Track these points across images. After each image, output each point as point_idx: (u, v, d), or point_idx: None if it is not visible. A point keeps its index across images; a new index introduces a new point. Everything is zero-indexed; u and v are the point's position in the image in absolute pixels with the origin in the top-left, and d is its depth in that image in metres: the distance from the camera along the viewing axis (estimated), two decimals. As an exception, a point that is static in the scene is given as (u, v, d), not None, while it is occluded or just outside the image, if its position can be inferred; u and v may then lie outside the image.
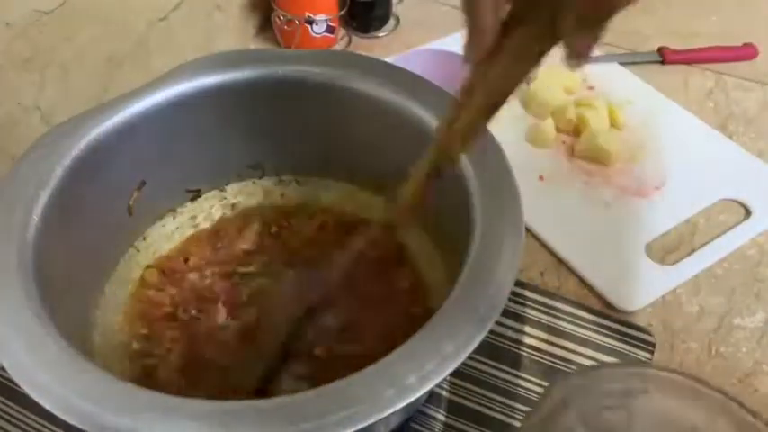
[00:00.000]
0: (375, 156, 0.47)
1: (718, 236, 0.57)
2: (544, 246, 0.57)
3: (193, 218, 0.50)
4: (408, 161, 0.44)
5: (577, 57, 0.27)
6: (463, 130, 0.32)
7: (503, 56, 0.29)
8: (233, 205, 0.51)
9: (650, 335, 0.50)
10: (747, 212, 0.59)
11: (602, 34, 0.27)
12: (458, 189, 0.39)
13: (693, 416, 0.34)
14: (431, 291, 0.45)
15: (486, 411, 0.46)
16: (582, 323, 0.50)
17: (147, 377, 0.41)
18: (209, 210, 0.50)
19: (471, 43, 0.29)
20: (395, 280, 0.46)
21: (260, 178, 0.51)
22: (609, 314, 0.51)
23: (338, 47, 0.77)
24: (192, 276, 0.47)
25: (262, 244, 0.49)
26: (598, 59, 0.75)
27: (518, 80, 0.30)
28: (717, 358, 0.50)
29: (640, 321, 0.51)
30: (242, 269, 0.47)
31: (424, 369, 0.30)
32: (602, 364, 0.39)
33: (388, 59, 0.48)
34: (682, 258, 0.56)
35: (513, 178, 0.38)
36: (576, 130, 0.65)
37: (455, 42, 0.74)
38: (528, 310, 0.51)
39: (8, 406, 0.45)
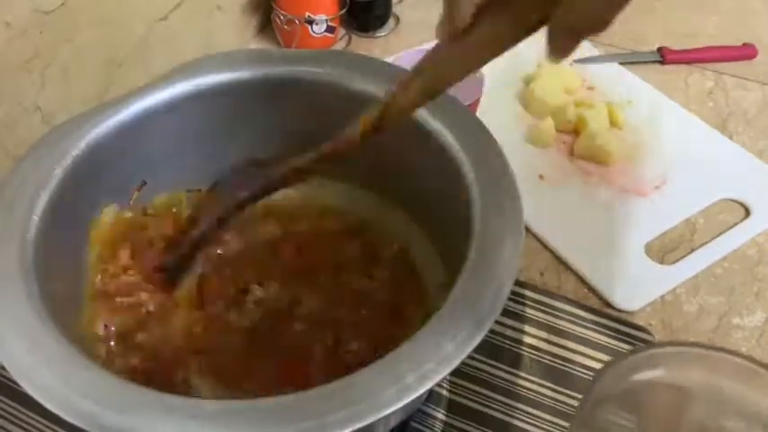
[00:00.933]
0: (375, 155, 0.47)
1: (718, 235, 0.57)
2: (544, 246, 0.57)
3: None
4: (408, 160, 0.45)
5: (562, 53, 0.27)
6: (404, 104, 0.33)
7: (471, 40, 0.29)
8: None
9: (650, 334, 0.50)
10: (747, 212, 0.59)
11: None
12: (458, 189, 0.39)
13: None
14: (431, 290, 0.45)
15: (486, 410, 0.46)
16: (582, 322, 0.51)
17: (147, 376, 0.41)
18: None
19: (445, 21, 0.29)
20: (395, 279, 0.46)
21: (260, 178, 0.51)
22: (609, 313, 0.51)
23: (338, 47, 0.77)
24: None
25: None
26: (598, 59, 0.75)
27: (473, 67, 0.31)
28: (716, 358, 0.50)
29: (640, 321, 0.51)
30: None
31: (423, 368, 0.30)
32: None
33: (388, 59, 0.48)
34: (681, 258, 0.56)
35: (513, 178, 0.38)
36: (576, 130, 0.66)
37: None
38: (528, 310, 0.51)
39: (9, 405, 0.45)
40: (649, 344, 0.37)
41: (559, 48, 0.27)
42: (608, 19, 0.25)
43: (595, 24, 0.25)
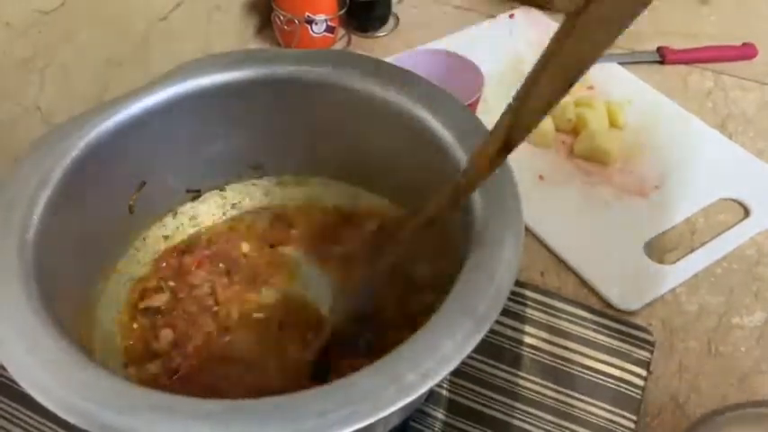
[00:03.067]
0: (375, 155, 0.47)
1: (718, 235, 0.57)
2: (544, 245, 0.57)
3: (193, 218, 0.50)
4: (408, 160, 0.45)
5: None
6: (539, 101, 0.27)
7: (597, 7, 0.24)
8: (233, 205, 0.51)
9: (650, 334, 0.50)
10: (746, 212, 0.59)
11: None
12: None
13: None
14: (430, 290, 0.45)
15: (486, 410, 0.46)
16: (582, 322, 0.51)
17: (147, 378, 0.41)
18: (209, 210, 0.50)
19: None
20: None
21: (260, 178, 0.51)
22: (608, 313, 0.51)
23: (338, 47, 0.77)
24: (192, 276, 0.47)
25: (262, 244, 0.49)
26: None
27: (604, 44, 0.26)
28: (716, 357, 0.50)
29: (640, 321, 0.52)
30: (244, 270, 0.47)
31: (423, 368, 0.30)
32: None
33: (388, 59, 0.48)
34: (681, 258, 0.56)
35: (512, 178, 0.38)
36: (576, 130, 0.66)
37: (455, 42, 0.74)
38: (528, 310, 0.51)
39: (9, 405, 0.45)
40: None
41: None
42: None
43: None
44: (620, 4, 0.24)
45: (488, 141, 0.30)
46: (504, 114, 0.28)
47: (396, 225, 0.44)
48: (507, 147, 0.29)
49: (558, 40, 0.26)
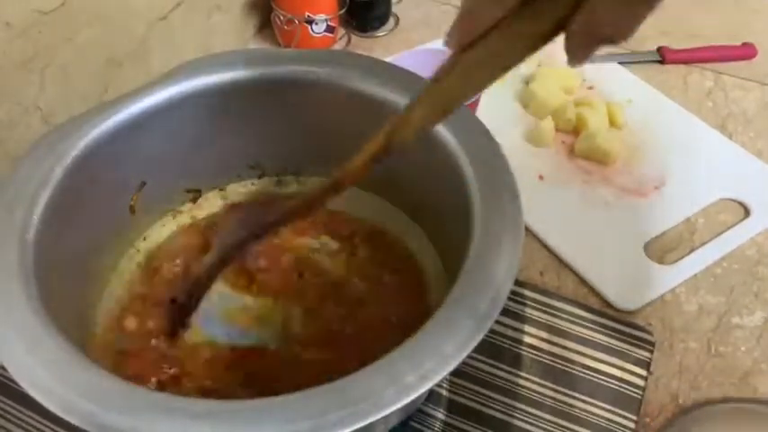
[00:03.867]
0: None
1: (718, 235, 0.57)
2: (544, 245, 0.57)
3: (193, 218, 0.50)
4: (408, 160, 0.45)
5: (580, 59, 0.26)
6: (417, 122, 0.30)
7: (484, 50, 0.27)
8: (233, 206, 0.51)
9: (650, 334, 0.50)
10: (746, 212, 0.59)
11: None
12: (457, 189, 0.39)
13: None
14: (430, 290, 0.45)
15: (486, 410, 0.46)
16: (581, 322, 0.51)
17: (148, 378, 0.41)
18: (209, 210, 0.50)
19: (457, 27, 0.27)
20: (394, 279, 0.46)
21: (260, 178, 0.51)
22: (608, 313, 0.51)
23: (338, 47, 0.77)
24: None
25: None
26: (598, 59, 0.75)
27: (485, 81, 0.28)
28: (716, 357, 0.50)
29: (640, 320, 0.52)
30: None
31: (423, 368, 0.30)
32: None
33: (388, 59, 0.48)
34: (681, 258, 0.56)
35: (512, 178, 0.38)
36: (576, 130, 0.66)
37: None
38: (528, 310, 0.51)
39: (9, 405, 0.45)
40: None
41: (578, 54, 0.25)
42: (630, 26, 0.23)
43: (616, 32, 0.24)
44: (507, 48, 0.26)
45: (368, 145, 0.32)
46: (386, 125, 0.31)
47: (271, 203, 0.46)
48: (384, 153, 0.32)
49: (441, 74, 0.28)
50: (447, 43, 0.28)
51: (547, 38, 0.25)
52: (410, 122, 0.30)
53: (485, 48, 0.26)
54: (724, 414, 0.36)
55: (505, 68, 0.27)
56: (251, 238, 0.40)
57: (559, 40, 0.25)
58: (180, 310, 0.43)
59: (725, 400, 0.37)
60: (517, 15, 0.25)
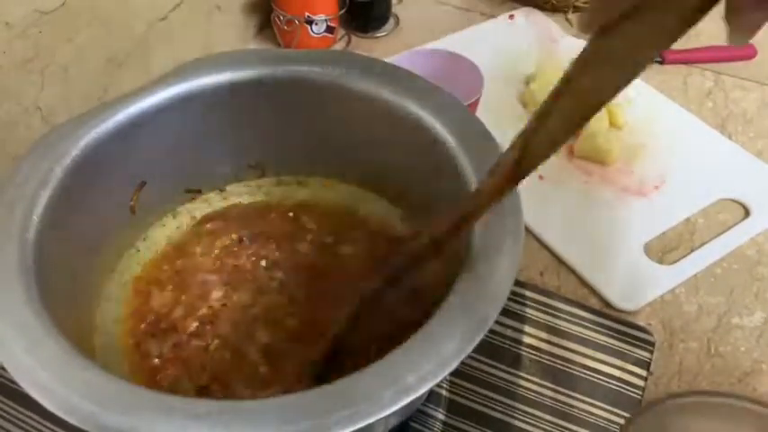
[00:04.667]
0: (375, 155, 0.47)
1: (718, 235, 0.57)
2: (544, 245, 0.57)
3: (193, 218, 0.50)
4: (408, 160, 0.45)
5: (749, 31, 0.22)
6: (551, 134, 0.26)
7: (625, 36, 0.21)
8: (233, 205, 0.51)
9: (650, 334, 0.50)
10: (746, 212, 0.59)
11: None
12: (457, 189, 0.39)
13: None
14: (430, 290, 0.45)
15: (486, 411, 0.46)
16: (581, 322, 0.51)
17: (149, 378, 0.41)
18: (209, 210, 0.50)
19: (596, 10, 0.22)
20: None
21: (260, 178, 0.51)
22: (608, 313, 0.51)
23: (338, 47, 0.78)
24: (193, 276, 0.47)
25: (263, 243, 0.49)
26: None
27: (630, 72, 0.22)
28: (716, 357, 0.50)
29: (640, 321, 0.52)
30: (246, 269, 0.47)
31: (423, 369, 0.30)
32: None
33: (388, 59, 0.48)
34: (681, 258, 0.56)
35: (512, 178, 0.38)
36: (576, 130, 0.66)
37: (455, 42, 0.74)
38: (528, 310, 0.51)
39: (8, 406, 0.45)
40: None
41: (744, 26, 0.21)
42: None
43: None
44: (659, 24, 0.21)
45: (496, 172, 0.28)
46: (510, 148, 0.27)
47: (398, 241, 0.43)
48: (515, 179, 0.28)
49: (578, 66, 0.23)
50: (580, 26, 0.23)
51: (698, 12, 0.21)
52: (543, 138, 0.26)
53: (623, 34, 0.21)
54: (691, 407, 0.36)
55: (649, 56, 0.22)
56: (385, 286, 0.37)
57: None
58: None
59: (689, 394, 0.38)
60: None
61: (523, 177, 0.27)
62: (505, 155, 0.28)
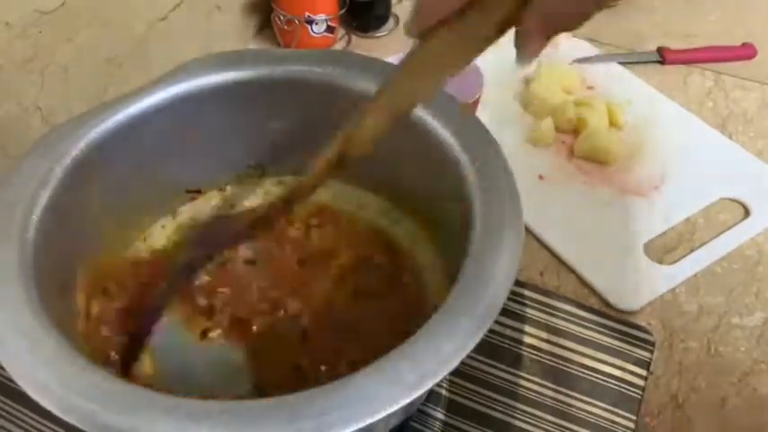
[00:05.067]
0: (374, 155, 0.47)
1: (718, 235, 0.57)
2: (544, 245, 0.57)
3: (193, 218, 0.50)
4: (408, 160, 0.45)
5: (531, 55, 0.26)
6: (371, 131, 0.31)
7: (440, 42, 0.27)
8: (233, 206, 0.51)
9: (650, 334, 0.50)
10: (746, 212, 0.59)
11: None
12: (457, 188, 0.39)
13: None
14: (430, 290, 0.45)
15: (486, 410, 0.46)
16: (581, 322, 0.51)
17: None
18: (209, 210, 0.50)
19: (415, 17, 0.27)
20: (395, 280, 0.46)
21: (260, 178, 0.51)
22: (608, 313, 0.51)
23: (338, 47, 0.78)
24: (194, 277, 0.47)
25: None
26: (598, 59, 0.75)
27: (444, 74, 0.28)
28: (716, 357, 0.50)
29: (640, 320, 0.52)
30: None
31: (423, 368, 0.30)
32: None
33: (388, 59, 0.48)
34: (681, 258, 0.56)
35: (512, 178, 0.38)
36: (576, 130, 0.66)
37: (455, 42, 0.74)
38: (527, 310, 0.51)
39: (9, 405, 0.45)
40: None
41: (528, 50, 0.26)
42: (582, 13, 0.23)
43: (569, 20, 0.24)
44: (460, 42, 0.26)
45: (326, 152, 0.33)
46: (334, 142, 0.32)
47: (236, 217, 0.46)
48: (338, 167, 0.33)
49: (399, 71, 0.28)
50: (407, 31, 0.28)
51: (499, 31, 0.26)
52: (363, 132, 0.31)
53: (439, 40, 0.27)
54: None
55: (456, 66, 0.27)
56: (201, 258, 0.40)
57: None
58: (130, 342, 0.41)
59: None
60: (470, 9, 0.25)
61: (345, 166, 0.32)
62: (331, 147, 0.32)
